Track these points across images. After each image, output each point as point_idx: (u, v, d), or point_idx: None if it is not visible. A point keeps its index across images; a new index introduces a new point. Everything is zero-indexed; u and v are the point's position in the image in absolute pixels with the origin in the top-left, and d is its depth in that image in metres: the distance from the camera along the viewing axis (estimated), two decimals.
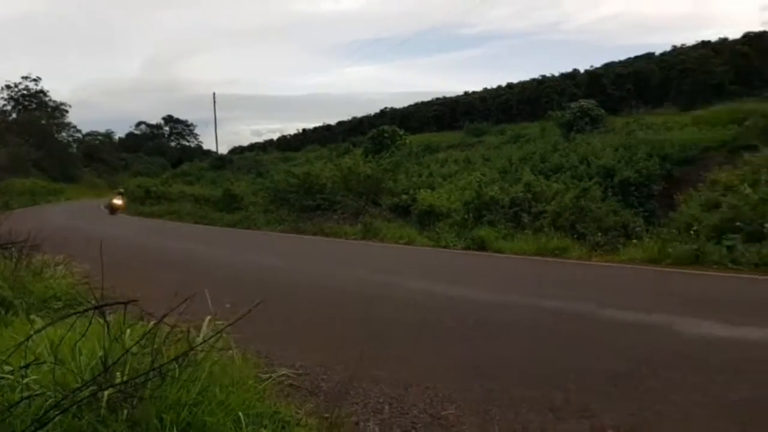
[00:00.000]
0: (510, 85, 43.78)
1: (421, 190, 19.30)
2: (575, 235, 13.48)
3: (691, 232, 11.24)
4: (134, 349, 3.41)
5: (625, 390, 4.23)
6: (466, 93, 45.90)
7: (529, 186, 16.48)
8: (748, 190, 11.54)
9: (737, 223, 10.61)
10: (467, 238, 14.24)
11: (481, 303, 7.45)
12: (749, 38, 32.60)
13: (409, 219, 17.98)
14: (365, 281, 9.33)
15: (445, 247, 14.13)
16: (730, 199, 11.58)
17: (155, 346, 3.57)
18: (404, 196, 19.35)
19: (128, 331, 3.76)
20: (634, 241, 12.27)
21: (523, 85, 42.40)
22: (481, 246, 13.52)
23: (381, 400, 4.17)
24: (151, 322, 3.83)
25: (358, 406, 4.11)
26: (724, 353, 5.03)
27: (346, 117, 53.45)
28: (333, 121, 54.87)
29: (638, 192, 16.80)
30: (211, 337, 3.50)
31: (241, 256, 13.04)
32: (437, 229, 15.76)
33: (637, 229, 13.68)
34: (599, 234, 13.27)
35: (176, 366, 3.47)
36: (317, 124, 57.02)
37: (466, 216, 16.06)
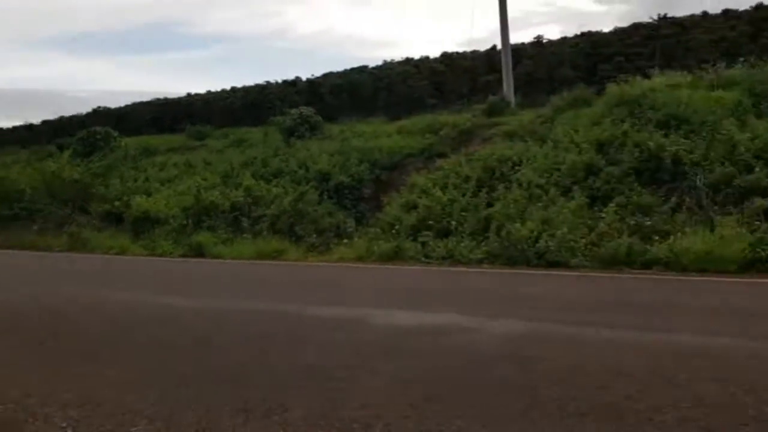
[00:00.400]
0: (234, 89, 43.47)
1: (137, 196, 18.24)
2: (293, 237, 13.96)
3: (394, 230, 12.41)
4: None
5: (318, 383, 4.48)
6: (188, 95, 44.48)
7: (249, 190, 16.62)
8: (439, 193, 13.10)
9: (430, 222, 11.99)
10: (185, 245, 13.88)
11: (192, 310, 7.33)
12: (445, 57, 36.87)
13: (123, 227, 16.90)
14: (62, 296, 8.55)
15: (161, 255, 13.60)
16: (425, 201, 13.02)
17: None
18: (117, 203, 18.09)
19: None
20: (346, 240, 13.14)
21: (246, 90, 42.34)
22: (200, 252, 13.28)
23: (64, 425, 3.85)
24: None
25: None
26: (409, 340, 5.64)
27: (52, 116, 47.96)
28: (36, 120, 48.82)
29: (351, 195, 17.92)
30: None
31: None
32: (153, 237, 15.08)
33: (349, 229, 14.66)
34: (315, 235, 13.94)
35: None
36: (17, 123, 50.19)
37: (185, 222, 15.61)
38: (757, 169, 10.33)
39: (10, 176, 21.50)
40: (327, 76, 42.08)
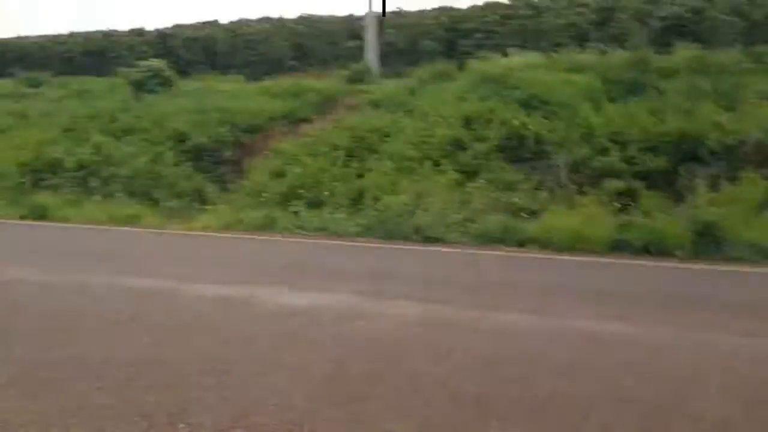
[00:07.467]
0: (73, 34, 39.64)
1: None
2: (150, 201, 13.04)
3: (261, 198, 11.97)
4: None
5: (218, 380, 4.09)
6: (18, 36, 40.01)
7: (98, 148, 15.24)
8: (309, 160, 12.80)
9: (300, 191, 11.68)
10: (24, 206, 12.47)
11: (43, 286, 6.56)
12: (304, 19, 36.02)
13: None
14: None
15: None
16: (294, 168, 12.67)
17: None
18: None
19: None
20: (209, 207, 12.49)
21: (87, 36, 38.80)
22: (42, 215, 12.00)
23: None
24: None
25: None
26: (305, 325, 5.37)
27: None
28: None
29: (211, 158, 17.03)
30: None
31: None
32: None
33: (211, 195, 13.95)
34: (174, 200, 13.10)
35: None
36: None
37: (22, 180, 14.01)
38: (612, 152, 11.15)
39: None
40: (178, 27, 39.50)
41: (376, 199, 10.79)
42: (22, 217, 11.88)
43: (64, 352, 4.57)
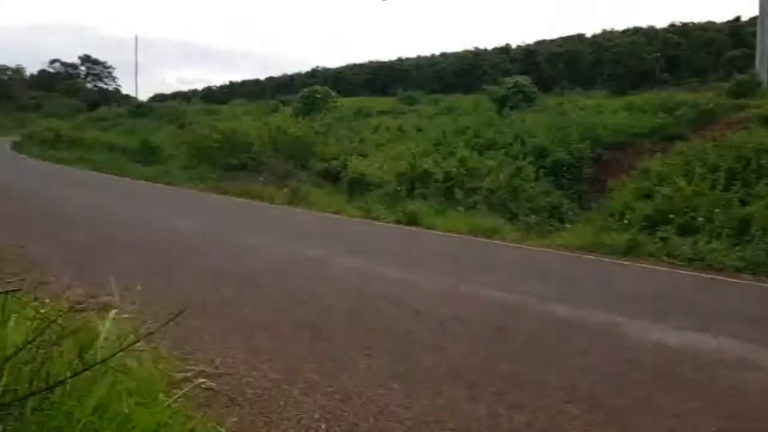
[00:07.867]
0: (444, 54, 43.24)
1: (353, 157, 18.65)
2: (508, 215, 13.26)
3: (624, 220, 11.19)
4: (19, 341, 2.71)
5: (594, 415, 3.79)
6: (399, 59, 45.24)
7: (463, 161, 16.15)
8: (682, 182, 11.56)
9: (670, 215, 10.59)
10: (399, 212, 13.76)
11: (421, 290, 6.98)
12: (677, 28, 33.34)
13: (338, 186, 17.34)
14: (294, 255, 8.70)
15: (375, 219, 13.59)
16: (664, 190, 11.58)
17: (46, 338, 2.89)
18: (334, 162, 18.65)
19: (13, 317, 3.04)
20: (568, 225, 12.17)
21: (457, 56, 41.90)
22: (413, 221, 13.06)
23: (316, 416, 3.60)
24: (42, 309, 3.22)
25: (289, 423, 3.53)
26: (683, 365, 4.72)
27: (276, 73, 51.56)
28: (262, 76, 52.81)
29: (569, 174, 16.78)
30: (118, 351, 2.80)
31: (160, 215, 12.09)
32: (368, 200, 15.21)
33: (568, 212, 13.63)
34: (532, 215, 13.09)
35: (68, 372, 2.79)
36: (247, 78, 54.74)
37: (398, 188, 15.56)
38: None
39: (240, 128, 23.08)
40: (541, 43, 40.15)
41: (766, 230, 9.18)
42: (397, 222, 13.08)
43: (433, 357, 4.71)
